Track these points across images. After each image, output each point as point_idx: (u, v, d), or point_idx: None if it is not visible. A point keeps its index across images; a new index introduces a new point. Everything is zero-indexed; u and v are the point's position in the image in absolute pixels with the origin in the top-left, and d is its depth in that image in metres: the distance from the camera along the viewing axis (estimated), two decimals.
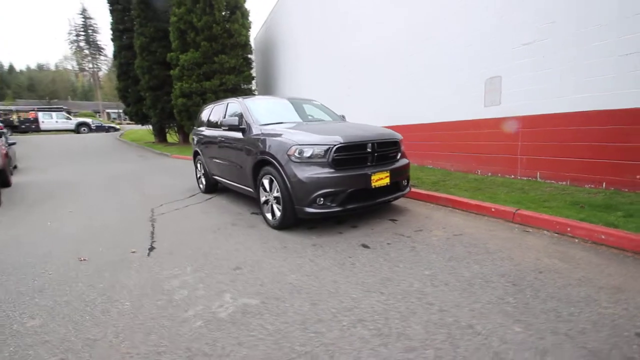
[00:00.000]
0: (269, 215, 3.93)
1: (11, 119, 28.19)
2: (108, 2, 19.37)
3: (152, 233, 3.90)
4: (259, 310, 2.13)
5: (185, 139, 19.14)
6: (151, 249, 3.39)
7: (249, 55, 16.26)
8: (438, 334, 1.81)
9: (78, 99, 60.60)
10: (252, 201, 5.20)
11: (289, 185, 3.45)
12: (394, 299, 2.18)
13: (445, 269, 2.58)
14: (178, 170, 9.79)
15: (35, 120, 27.91)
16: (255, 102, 4.83)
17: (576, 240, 3.02)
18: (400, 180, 3.97)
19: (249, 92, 16.25)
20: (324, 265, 2.77)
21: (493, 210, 3.80)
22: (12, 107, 35.60)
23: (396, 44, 7.44)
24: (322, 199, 3.38)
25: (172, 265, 2.93)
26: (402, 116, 7.08)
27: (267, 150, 3.73)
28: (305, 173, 3.37)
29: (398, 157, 4.07)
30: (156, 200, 5.68)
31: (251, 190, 4.36)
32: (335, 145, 3.45)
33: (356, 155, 3.58)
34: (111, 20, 19.52)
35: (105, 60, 55.24)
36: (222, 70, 14.94)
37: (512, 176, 5.22)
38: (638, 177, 3.78)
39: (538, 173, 4.85)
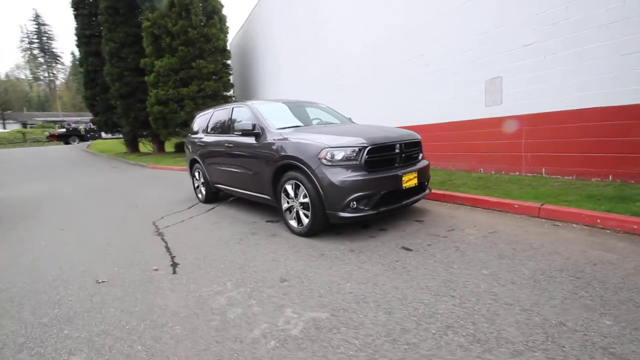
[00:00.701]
0: (292, 223, 3.76)
1: None
2: (72, 7, 18.23)
3: (167, 248, 3.60)
4: (333, 324, 1.98)
5: (160, 148, 18.31)
6: (174, 265, 3.11)
7: (228, 61, 15.90)
8: (535, 334, 1.76)
9: (34, 110, 56.43)
10: (263, 209, 4.98)
11: (320, 189, 3.31)
12: (469, 302, 2.11)
13: (502, 268, 2.55)
14: (161, 181, 9.32)
15: None
16: (266, 106, 4.64)
17: (607, 232, 3.12)
18: (424, 181, 3.95)
19: (228, 99, 15.86)
20: (375, 271, 2.65)
21: (516, 206, 3.87)
22: None
23: (394, 46, 7.52)
24: (355, 202, 3.28)
25: (208, 282, 2.69)
26: (401, 118, 7.14)
27: (292, 154, 3.57)
28: (338, 176, 3.25)
29: (420, 157, 4.05)
30: (153, 213, 5.31)
31: (268, 197, 4.16)
32: (367, 146, 3.36)
33: (386, 156, 3.51)
34: (76, 26, 18.37)
35: (63, 68, 52.00)
36: (201, 75, 14.48)
37: (517, 173, 5.39)
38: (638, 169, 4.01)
39: (544, 169, 5.03)
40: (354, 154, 3.30)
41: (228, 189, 5.18)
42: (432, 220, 3.87)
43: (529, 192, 4.33)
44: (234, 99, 16.10)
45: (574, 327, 1.79)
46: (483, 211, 4.11)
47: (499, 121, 5.52)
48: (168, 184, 8.73)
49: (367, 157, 3.34)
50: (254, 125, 4.18)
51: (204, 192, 5.88)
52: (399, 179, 3.46)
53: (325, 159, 3.29)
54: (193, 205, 5.76)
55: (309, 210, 3.49)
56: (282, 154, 3.71)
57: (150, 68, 14.58)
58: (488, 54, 5.56)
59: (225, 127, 5.07)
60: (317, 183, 3.32)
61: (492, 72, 5.55)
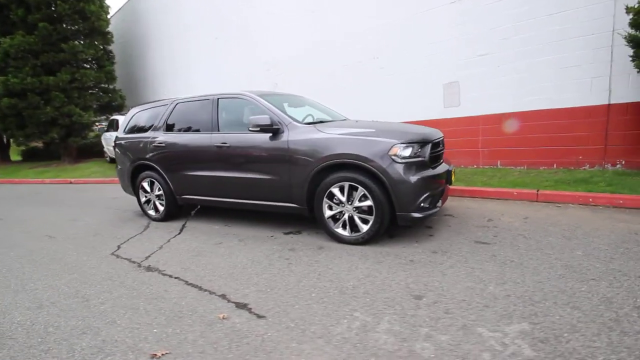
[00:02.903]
0: (340, 231, 3.28)
1: None
2: None
3: (198, 287, 2.62)
4: (547, 334, 1.77)
5: (4, 157, 13.54)
6: (242, 305, 2.28)
7: (110, 47, 13.01)
8: None
9: None
10: (258, 219, 4.20)
11: (391, 190, 2.98)
12: (611, 280, 2.23)
13: (582, 247, 2.80)
14: (42, 198, 6.93)
15: None
16: (269, 98, 3.91)
17: (600, 207, 3.86)
18: None
19: (114, 93, 13.01)
20: (491, 269, 2.53)
21: (515, 194, 4.39)
22: None
23: (343, 47, 7.52)
24: (424, 201, 3.09)
25: (328, 318, 2.06)
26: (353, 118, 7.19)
27: (350, 152, 3.08)
28: (413, 174, 2.99)
29: None
30: (96, 243, 3.92)
31: (294, 205, 3.52)
32: (431, 141, 3.22)
33: (439, 152, 3.44)
34: None
35: None
36: (76, 61, 11.40)
37: (475, 166, 6.15)
38: (580, 157, 5.14)
39: (499, 161, 5.90)
40: (420, 150, 3.11)
41: (209, 200, 4.17)
42: (461, 214, 3.99)
43: (500, 182, 4.99)
44: (121, 93, 13.26)
45: None
46: (490, 201, 4.50)
47: (457, 121, 6.19)
48: (59, 201, 6.54)
49: (431, 153, 3.21)
50: (271, 120, 3.47)
51: (160, 208, 4.59)
52: (450, 174, 3.45)
53: (397, 155, 2.98)
54: (147, 227, 4.44)
55: (370, 215, 3.11)
56: (329, 152, 3.18)
57: None
58: (445, 60, 6.17)
59: (208, 124, 4.05)
60: (387, 183, 2.98)
61: (449, 77, 6.18)
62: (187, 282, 2.70)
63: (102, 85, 12.56)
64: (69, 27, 11.20)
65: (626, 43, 4.14)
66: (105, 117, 13.19)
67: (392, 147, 2.99)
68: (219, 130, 3.96)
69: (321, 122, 3.81)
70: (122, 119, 9.59)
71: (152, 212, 4.73)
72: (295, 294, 2.39)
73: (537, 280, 2.35)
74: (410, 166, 3.01)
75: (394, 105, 6.91)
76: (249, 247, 3.41)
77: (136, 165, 4.71)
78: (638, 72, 4.25)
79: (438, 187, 3.23)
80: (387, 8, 6.75)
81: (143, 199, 4.78)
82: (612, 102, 4.76)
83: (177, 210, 4.62)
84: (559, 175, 4.99)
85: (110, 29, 12.87)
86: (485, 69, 5.76)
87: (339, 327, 1.97)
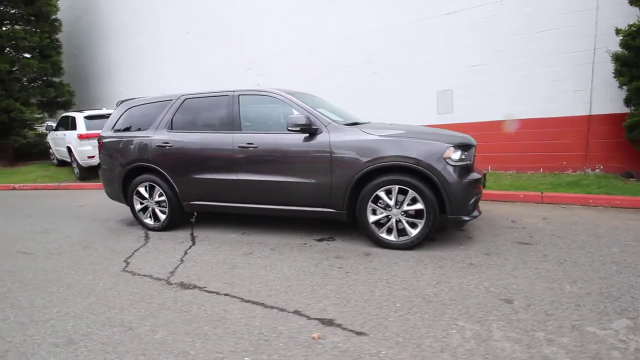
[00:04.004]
0: (385, 235, 3.17)
1: None
2: None
3: (263, 304, 2.32)
4: None
5: None
6: (328, 322, 2.06)
7: (57, 36, 11.52)
8: None
9: None
10: (281, 225, 3.93)
11: (445, 193, 2.94)
12: None
13: (615, 244, 3.01)
14: None
15: None
16: (299, 96, 3.68)
17: (600, 208, 4.23)
18: None
19: (61, 87, 11.56)
20: (549, 268, 2.60)
21: (522, 196, 4.65)
22: None
23: (337, 50, 7.46)
24: (472, 204, 3.12)
25: (424, 325, 1.93)
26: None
27: (404, 154, 2.98)
28: (464, 178, 3.00)
29: None
30: (91, 259, 3.34)
31: (332, 210, 3.33)
32: (473, 145, 3.26)
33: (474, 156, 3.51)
34: None
35: None
36: (16, 49, 9.91)
37: None
38: (564, 162, 5.63)
39: (489, 166, 6.24)
40: (466, 154, 3.13)
41: (225, 207, 3.80)
42: (481, 216, 4.09)
43: (502, 185, 5.28)
44: (70, 88, 11.76)
45: None
46: (499, 203, 4.70)
47: (450, 127, 6.43)
48: (12, 211, 5.61)
49: (473, 156, 3.25)
50: (309, 120, 3.26)
51: (162, 216, 4.08)
52: (485, 178, 3.53)
53: (450, 158, 2.96)
54: (147, 237, 3.95)
55: (418, 218, 3.05)
56: (379, 155, 3.06)
57: None
58: (439, 68, 6.41)
59: (228, 122, 3.69)
60: (441, 186, 2.94)
61: (443, 84, 6.43)
62: (243, 299, 2.39)
63: (47, 78, 11.04)
64: (8, 10, 9.68)
65: (612, 61, 4.65)
66: (49, 114, 11.59)
67: (446, 149, 2.96)
68: (241, 130, 3.63)
69: (355, 123, 3.68)
70: (79, 117, 8.53)
71: (149, 221, 4.18)
72: (378, 305, 2.23)
73: (601, 277, 2.46)
74: (461, 169, 3.02)
75: (386, 110, 6.99)
76: (287, 256, 3.14)
77: (131, 168, 4.13)
78: (619, 87, 4.78)
79: (480, 191, 3.28)
80: (384, 14, 6.85)
81: (138, 206, 4.21)
82: (593, 113, 5.31)
83: (180, 218, 4.15)
84: (549, 179, 5.42)
85: (58, 15, 11.36)
86: (478, 79, 6.09)
87: (453, 338, 1.85)
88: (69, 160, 9.07)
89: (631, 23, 4.39)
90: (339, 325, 2.02)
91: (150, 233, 4.09)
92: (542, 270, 2.61)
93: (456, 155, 3.01)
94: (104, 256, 3.42)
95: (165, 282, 2.74)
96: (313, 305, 2.27)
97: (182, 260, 3.18)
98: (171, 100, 4.08)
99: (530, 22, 5.55)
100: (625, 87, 4.71)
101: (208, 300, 2.40)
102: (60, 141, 9.26)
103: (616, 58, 4.57)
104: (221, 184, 3.71)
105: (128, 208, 4.33)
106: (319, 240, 3.52)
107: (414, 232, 3.09)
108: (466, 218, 3.05)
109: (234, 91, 3.77)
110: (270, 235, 3.75)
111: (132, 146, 4.12)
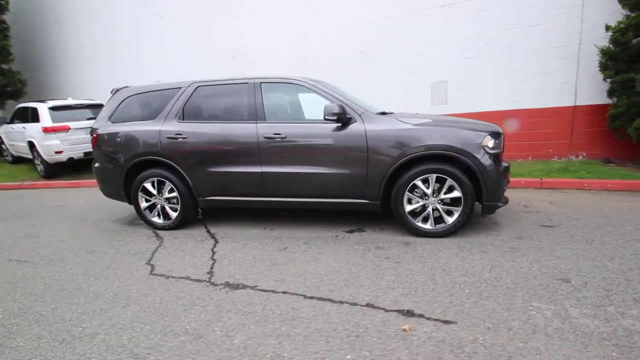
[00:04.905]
0: (421, 224, 3.19)
1: None
2: None
3: (330, 299, 2.23)
4: None
5: None
6: (408, 312, 2.03)
7: (4, 17, 10.18)
8: None
9: None
10: (301, 218, 3.82)
11: (483, 180, 3.01)
12: None
13: (630, 223, 3.29)
14: None
15: None
16: (325, 85, 3.55)
17: (594, 191, 4.58)
18: None
19: (11, 75, 10.30)
20: (594, 254, 2.77)
21: (523, 182, 4.91)
22: None
23: (328, 41, 7.33)
24: (504, 191, 3.23)
25: (504, 309, 1.97)
26: None
27: (444, 143, 2.99)
28: (499, 165, 3.10)
29: None
30: (106, 264, 3.05)
31: (365, 202, 3.29)
32: (501, 134, 3.35)
33: None
34: None
35: None
36: None
37: None
38: (551, 150, 6.04)
39: None
40: (499, 142, 3.22)
41: (248, 201, 3.62)
42: None
43: None
44: (21, 76, 10.49)
45: None
46: None
47: None
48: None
49: (503, 145, 3.35)
50: (343, 109, 3.17)
51: (172, 214, 3.81)
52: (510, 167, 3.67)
53: (488, 146, 3.03)
54: (159, 237, 3.69)
55: (455, 206, 3.10)
56: (419, 144, 3.05)
57: None
58: (434, 60, 6.54)
59: (248, 112, 3.48)
60: (479, 173, 3.01)
61: (437, 76, 6.57)
62: (305, 296, 2.28)
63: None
64: None
65: (600, 55, 5.02)
66: None
67: (484, 137, 3.03)
68: (265, 119, 3.44)
69: (390, 113, 3.64)
70: (42, 108, 7.64)
71: (157, 219, 3.87)
72: (448, 292, 2.23)
73: (632, 253, 2.66)
74: (496, 157, 3.11)
75: (379, 101, 7.01)
76: (326, 249, 3.06)
77: (135, 163, 3.77)
78: (603, 79, 5.19)
79: (509, 179, 3.39)
80: (377, 4, 6.82)
81: (144, 204, 3.86)
82: (577, 104, 5.72)
83: (194, 216, 3.88)
84: (539, 165, 5.78)
85: None
86: (471, 70, 6.30)
87: (537, 319, 1.90)
88: (29, 156, 8.14)
89: (620, 20, 4.75)
90: (421, 316, 2.00)
91: (161, 232, 3.78)
92: (577, 250, 2.77)
93: (492, 143, 3.09)
94: (118, 260, 3.11)
95: (209, 283, 2.55)
96: (382, 297, 2.22)
97: (214, 260, 2.97)
98: (180, 88, 3.76)
99: (521, 16, 5.81)
100: (608, 80, 5.12)
101: (268, 299, 2.27)
102: (17, 135, 8.25)
103: (603, 53, 4.95)
104: (243, 177, 3.51)
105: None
106: (350, 232, 3.46)
107: (450, 220, 3.14)
108: (500, 204, 3.16)
109: (254, 79, 3.56)
110: (296, 229, 3.62)
111: (136, 139, 3.76)
